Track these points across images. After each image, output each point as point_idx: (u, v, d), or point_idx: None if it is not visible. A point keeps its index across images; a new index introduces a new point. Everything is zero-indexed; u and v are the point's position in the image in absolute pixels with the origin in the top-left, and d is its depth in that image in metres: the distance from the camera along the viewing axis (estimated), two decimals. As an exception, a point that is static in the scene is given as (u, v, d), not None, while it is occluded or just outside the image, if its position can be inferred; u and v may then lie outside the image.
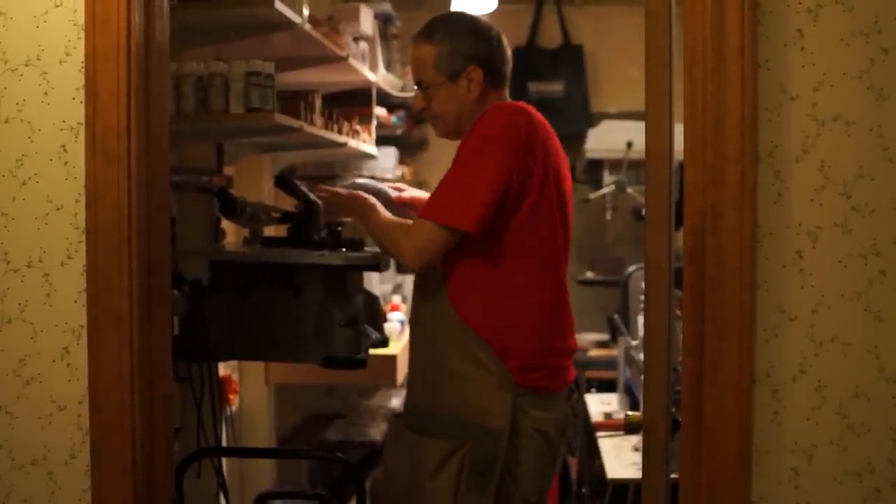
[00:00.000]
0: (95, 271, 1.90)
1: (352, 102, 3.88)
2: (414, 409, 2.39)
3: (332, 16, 3.40)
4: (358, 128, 3.65)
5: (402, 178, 4.63)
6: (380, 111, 4.16)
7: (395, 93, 4.31)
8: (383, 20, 4.35)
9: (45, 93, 1.93)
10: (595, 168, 5.48)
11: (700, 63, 1.77)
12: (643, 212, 2.38)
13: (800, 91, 1.77)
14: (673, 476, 1.84)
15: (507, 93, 2.42)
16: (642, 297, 1.91)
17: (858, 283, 1.77)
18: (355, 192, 2.50)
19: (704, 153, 1.77)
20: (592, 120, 5.66)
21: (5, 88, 1.93)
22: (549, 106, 5.16)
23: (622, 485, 3.21)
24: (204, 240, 2.84)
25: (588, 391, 4.31)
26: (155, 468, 1.96)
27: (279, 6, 2.48)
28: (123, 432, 1.89)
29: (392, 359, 3.61)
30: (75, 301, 1.93)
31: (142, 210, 1.90)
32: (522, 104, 2.31)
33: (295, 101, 2.79)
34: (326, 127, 3.14)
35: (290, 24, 2.63)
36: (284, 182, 2.61)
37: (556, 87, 5.75)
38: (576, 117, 5.66)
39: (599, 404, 3.95)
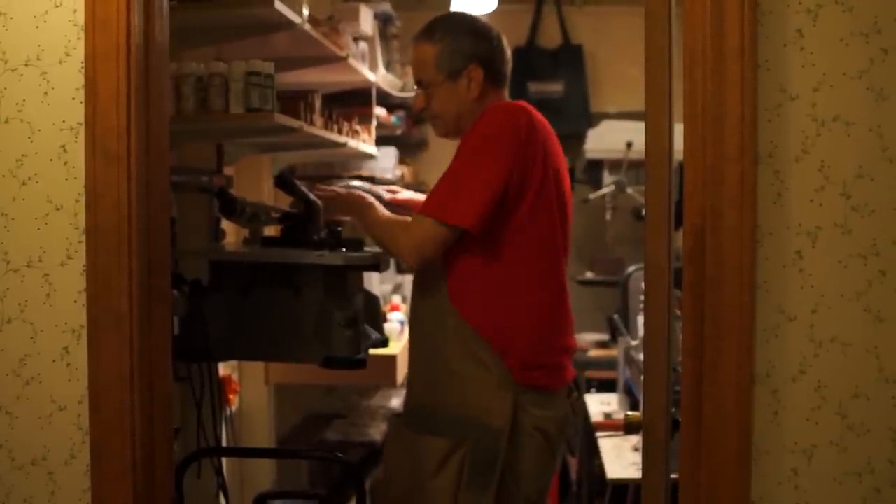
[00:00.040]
0: (95, 271, 1.90)
1: (352, 102, 3.88)
2: (414, 408, 2.40)
3: (331, 16, 3.40)
4: (358, 128, 3.65)
5: (401, 179, 4.63)
6: (380, 111, 4.16)
7: (394, 93, 4.31)
8: (383, 20, 4.35)
9: (45, 93, 1.93)
10: (595, 168, 5.48)
11: (700, 63, 1.77)
12: (643, 212, 2.38)
13: (800, 91, 1.77)
14: (673, 476, 1.84)
15: (506, 93, 2.43)
16: (642, 298, 1.91)
17: (858, 284, 1.77)
18: (353, 191, 2.50)
19: (704, 153, 1.77)
20: (592, 120, 5.66)
21: (5, 88, 1.93)
22: (549, 106, 5.16)
23: (622, 485, 3.21)
24: (204, 240, 2.84)
25: (588, 391, 4.31)
26: (155, 468, 1.95)
27: (279, 6, 2.48)
28: (123, 432, 1.89)
29: (392, 359, 3.61)
30: (75, 301, 1.93)
31: (142, 210, 1.90)
32: (523, 103, 2.32)
33: (295, 101, 2.79)
34: (326, 127, 3.14)
35: (289, 25, 2.63)
36: (284, 182, 2.61)
37: (555, 88, 5.75)
38: (576, 117, 5.66)
39: (599, 404, 3.95)
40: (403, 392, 2.61)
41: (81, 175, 1.91)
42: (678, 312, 1.93)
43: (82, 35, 1.90)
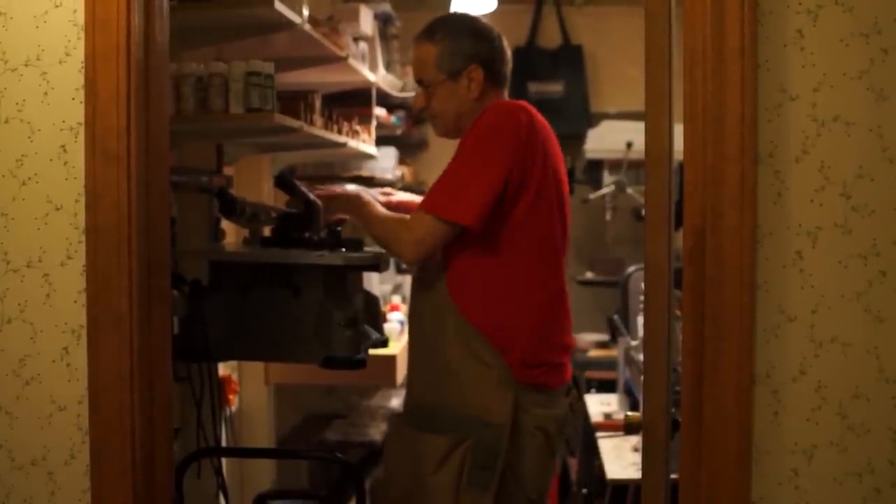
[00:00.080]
0: (95, 271, 1.90)
1: (351, 103, 3.88)
2: (414, 407, 2.40)
3: (331, 16, 3.40)
4: (358, 128, 3.65)
5: (401, 179, 4.63)
6: (379, 111, 4.16)
7: (394, 93, 4.31)
8: (383, 20, 4.35)
9: (45, 93, 1.93)
10: (595, 168, 5.48)
11: (700, 63, 1.77)
12: (643, 212, 2.38)
13: (800, 91, 1.77)
14: (673, 476, 1.84)
15: (506, 93, 2.44)
16: (642, 298, 1.91)
17: (858, 284, 1.77)
18: (351, 190, 2.51)
19: (704, 153, 1.77)
20: (592, 120, 5.67)
21: (5, 88, 1.93)
22: (549, 106, 5.16)
23: (622, 485, 3.21)
24: (204, 240, 2.84)
25: (588, 391, 4.31)
26: (155, 468, 1.95)
27: (279, 6, 2.48)
28: (123, 432, 1.89)
29: (392, 359, 3.61)
30: (75, 301, 1.93)
31: (142, 210, 1.90)
32: (523, 103, 2.32)
33: (295, 102, 2.80)
34: (326, 127, 3.14)
35: (289, 25, 2.63)
36: (284, 182, 2.61)
37: (555, 88, 5.75)
38: (575, 118, 5.66)
39: (599, 405, 3.95)
40: (403, 392, 2.61)
41: (81, 175, 1.91)
42: (678, 312, 1.93)
43: (82, 35, 1.90)
